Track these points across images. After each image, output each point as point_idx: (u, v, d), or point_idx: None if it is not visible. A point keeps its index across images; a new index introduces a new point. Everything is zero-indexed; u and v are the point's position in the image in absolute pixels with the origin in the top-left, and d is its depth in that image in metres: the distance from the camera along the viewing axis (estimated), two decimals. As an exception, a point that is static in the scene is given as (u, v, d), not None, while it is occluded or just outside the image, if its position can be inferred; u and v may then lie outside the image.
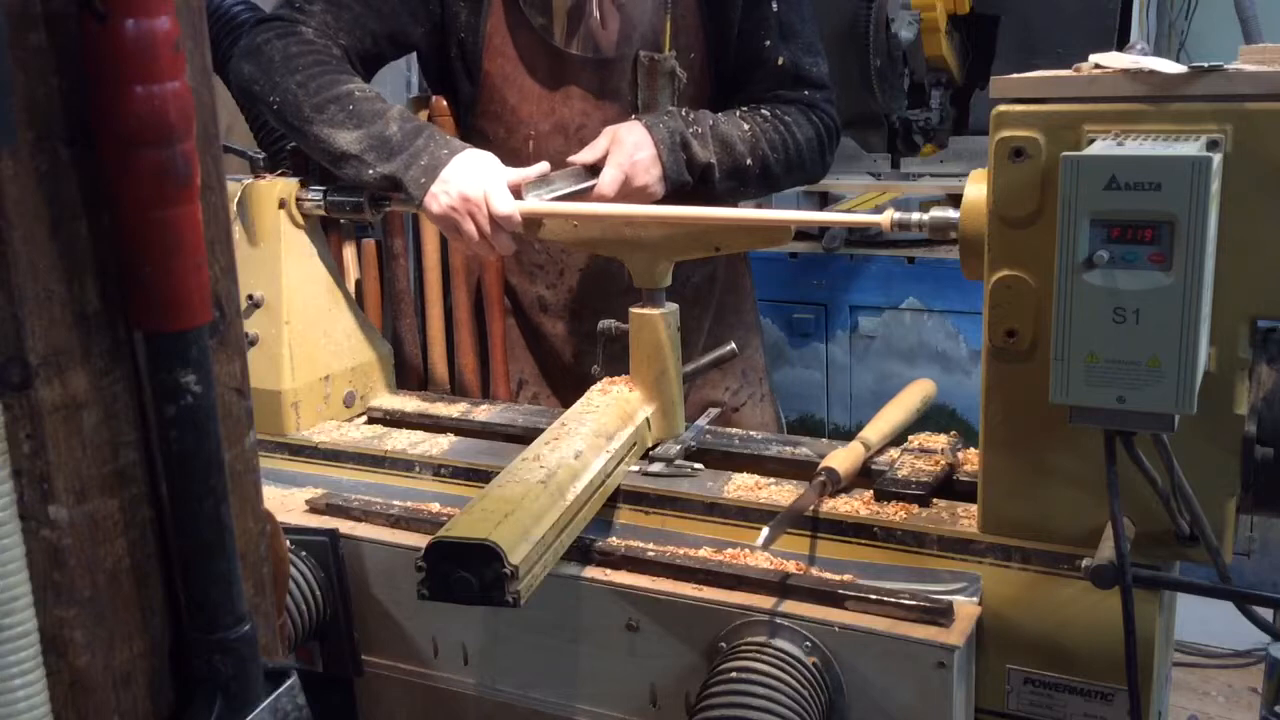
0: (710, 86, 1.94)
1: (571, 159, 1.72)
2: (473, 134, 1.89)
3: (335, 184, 1.74)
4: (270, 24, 1.77)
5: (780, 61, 1.90)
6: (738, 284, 2.14)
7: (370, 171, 1.66)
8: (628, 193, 1.68)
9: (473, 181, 1.61)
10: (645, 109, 1.87)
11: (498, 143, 1.87)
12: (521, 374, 2.06)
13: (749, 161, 1.80)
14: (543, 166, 1.66)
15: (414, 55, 1.99)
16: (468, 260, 1.98)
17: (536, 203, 1.62)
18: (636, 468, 1.49)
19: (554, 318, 2.01)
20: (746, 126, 1.82)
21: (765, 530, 1.25)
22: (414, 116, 1.72)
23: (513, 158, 1.72)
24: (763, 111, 1.87)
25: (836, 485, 1.37)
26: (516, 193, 1.62)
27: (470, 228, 1.62)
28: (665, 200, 1.72)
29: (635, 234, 1.52)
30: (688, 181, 1.75)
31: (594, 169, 1.71)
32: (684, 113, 1.78)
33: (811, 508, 1.34)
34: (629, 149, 1.69)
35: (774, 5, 1.88)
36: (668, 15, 1.84)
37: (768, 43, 1.89)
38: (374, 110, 1.68)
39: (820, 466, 1.37)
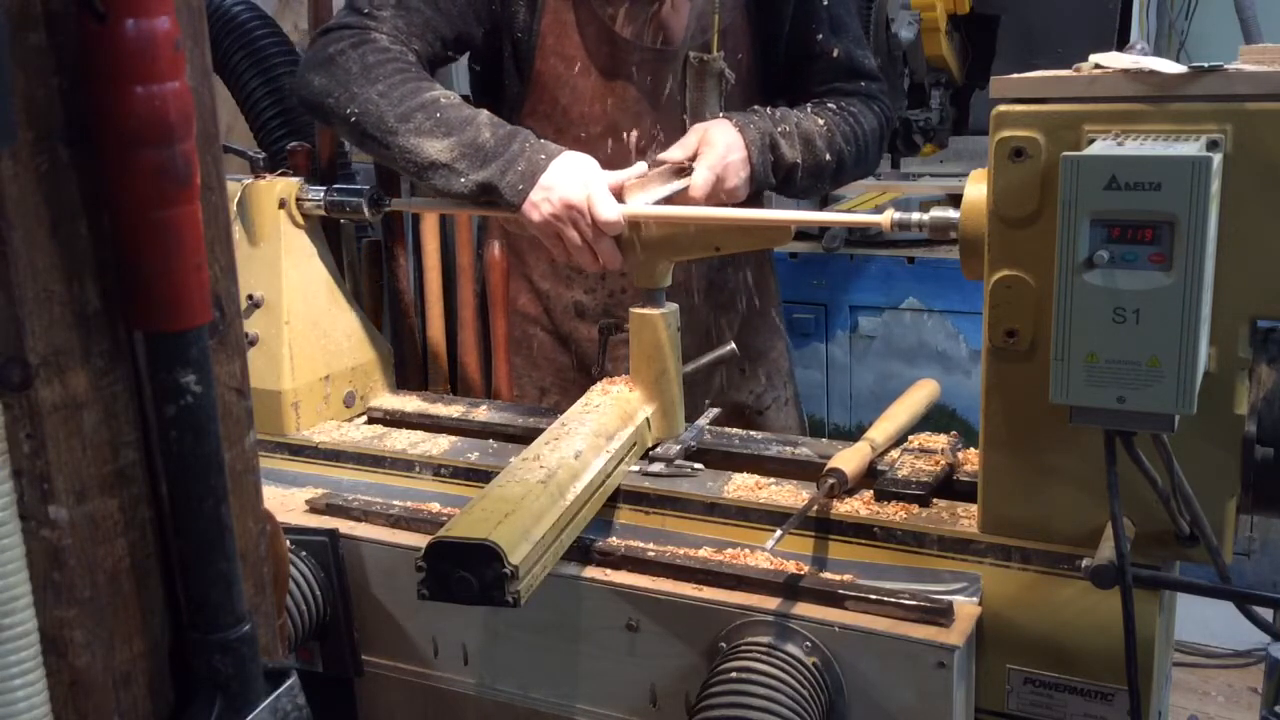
0: (756, 88, 1.94)
1: (662, 156, 1.67)
2: None
3: (335, 184, 1.73)
4: (340, 32, 1.70)
5: (835, 54, 1.89)
6: (764, 287, 2.13)
7: (462, 180, 1.59)
8: (717, 194, 1.63)
9: (575, 186, 1.54)
10: (694, 110, 1.85)
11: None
12: (544, 382, 2.04)
13: (828, 157, 1.78)
14: (641, 167, 1.60)
15: None
16: (483, 259, 1.96)
17: (638, 207, 1.55)
18: (636, 468, 1.49)
19: (590, 323, 1.98)
20: (822, 122, 1.79)
21: (778, 532, 1.25)
22: (504, 121, 1.65)
23: None
24: (829, 105, 1.86)
25: (844, 486, 1.37)
26: (618, 196, 1.55)
27: (573, 235, 1.55)
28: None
29: (635, 234, 1.52)
30: (772, 184, 1.73)
31: (682, 168, 1.66)
32: (771, 111, 1.75)
33: (818, 508, 1.34)
34: (721, 150, 1.64)
35: None
36: (715, 14, 1.82)
37: (820, 36, 1.89)
38: (463, 117, 1.62)
39: (828, 467, 1.36)
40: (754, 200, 1.74)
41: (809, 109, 1.83)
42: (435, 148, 1.60)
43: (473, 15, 1.81)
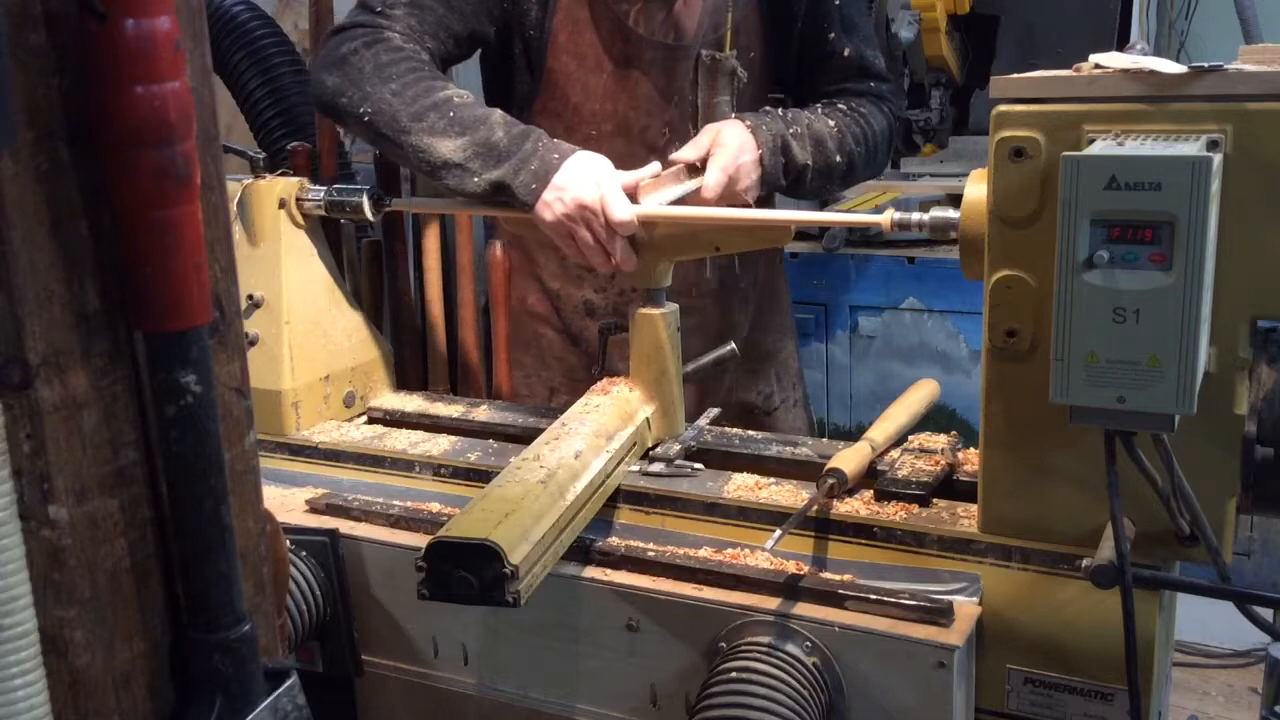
0: (769, 86, 1.93)
1: (674, 156, 1.66)
2: None
3: (335, 184, 1.73)
4: (353, 31, 1.70)
5: (846, 53, 1.89)
6: (774, 286, 2.13)
7: (475, 179, 1.58)
8: (729, 195, 1.63)
9: (588, 186, 1.53)
10: (706, 109, 1.85)
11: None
12: (553, 381, 2.04)
13: (838, 159, 1.78)
14: (655, 167, 1.59)
15: None
16: (489, 259, 1.96)
17: (652, 207, 1.54)
18: (636, 468, 1.49)
19: (600, 322, 1.99)
20: (833, 123, 1.79)
21: (778, 532, 1.25)
22: (517, 121, 1.64)
23: None
24: (839, 106, 1.85)
25: (844, 486, 1.36)
26: (632, 196, 1.54)
27: (586, 235, 1.54)
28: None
29: (649, 234, 1.52)
30: (783, 185, 1.73)
31: (693, 168, 1.65)
32: (782, 113, 1.75)
33: (818, 508, 1.34)
34: (734, 151, 1.63)
35: None
36: (729, 13, 1.82)
37: (832, 35, 1.89)
38: (476, 116, 1.61)
39: (828, 467, 1.36)
40: (763, 202, 1.74)
41: (820, 110, 1.83)
42: (448, 147, 1.59)
43: (485, 13, 1.80)
